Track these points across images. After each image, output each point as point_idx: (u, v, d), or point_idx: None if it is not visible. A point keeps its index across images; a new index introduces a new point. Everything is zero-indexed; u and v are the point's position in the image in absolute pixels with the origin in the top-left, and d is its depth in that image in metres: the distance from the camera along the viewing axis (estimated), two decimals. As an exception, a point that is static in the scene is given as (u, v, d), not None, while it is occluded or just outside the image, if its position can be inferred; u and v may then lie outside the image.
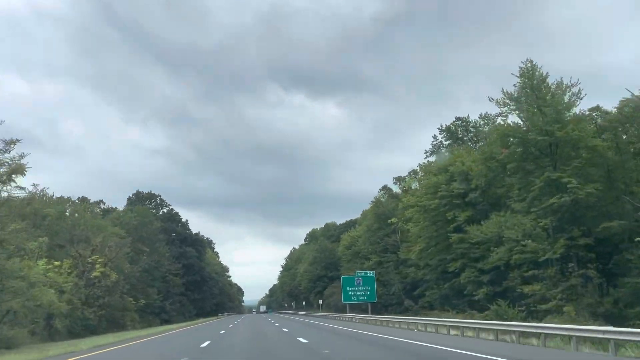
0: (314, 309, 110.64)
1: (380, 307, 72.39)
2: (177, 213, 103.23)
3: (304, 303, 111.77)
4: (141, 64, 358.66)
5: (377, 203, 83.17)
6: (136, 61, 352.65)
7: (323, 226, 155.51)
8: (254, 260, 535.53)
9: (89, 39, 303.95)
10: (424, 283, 61.59)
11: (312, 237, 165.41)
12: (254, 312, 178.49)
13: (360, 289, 68.44)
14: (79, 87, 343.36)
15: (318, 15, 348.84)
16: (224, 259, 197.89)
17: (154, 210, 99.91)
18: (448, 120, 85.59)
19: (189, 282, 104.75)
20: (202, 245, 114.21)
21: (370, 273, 69.30)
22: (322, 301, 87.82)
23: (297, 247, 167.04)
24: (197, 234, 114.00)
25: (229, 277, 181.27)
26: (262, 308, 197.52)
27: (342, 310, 76.77)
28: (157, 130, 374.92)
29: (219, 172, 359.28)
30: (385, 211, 79.43)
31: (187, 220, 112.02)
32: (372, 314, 64.94)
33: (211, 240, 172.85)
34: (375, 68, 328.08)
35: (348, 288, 68.44)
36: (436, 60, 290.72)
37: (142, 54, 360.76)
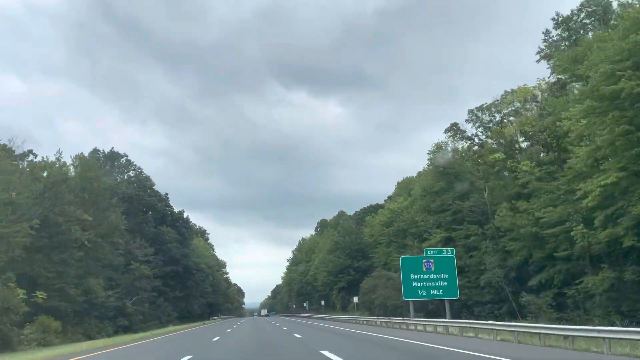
0: (335, 311, 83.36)
1: (459, 307, 45.36)
2: (149, 177, 76.03)
3: (322, 303, 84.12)
4: (138, 61, 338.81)
5: (436, 157, 56.02)
6: (133, 58, 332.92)
7: (337, 214, 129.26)
8: (254, 263, 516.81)
9: (85, 36, 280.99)
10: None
11: (323, 226, 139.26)
12: (255, 316, 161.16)
13: (431, 277, 41.76)
14: (75, 85, 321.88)
15: (319, 8, 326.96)
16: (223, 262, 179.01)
17: (120, 176, 73.08)
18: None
19: (168, 274, 77.71)
20: (187, 227, 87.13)
21: (449, 252, 42.28)
22: (358, 299, 60.23)
23: (307, 237, 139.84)
24: (180, 213, 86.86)
25: (226, 273, 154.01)
26: (264, 312, 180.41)
27: (393, 313, 49.73)
28: (156, 130, 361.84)
29: (218, 173, 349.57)
30: (454, 163, 52.54)
31: (167, 194, 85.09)
32: (451, 318, 38.58)
33: (205, 230, 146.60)
34: (378, 64, 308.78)
35: (412, 276, 41.62)
36: (441, 55, 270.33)
37: (140, 51, 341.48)
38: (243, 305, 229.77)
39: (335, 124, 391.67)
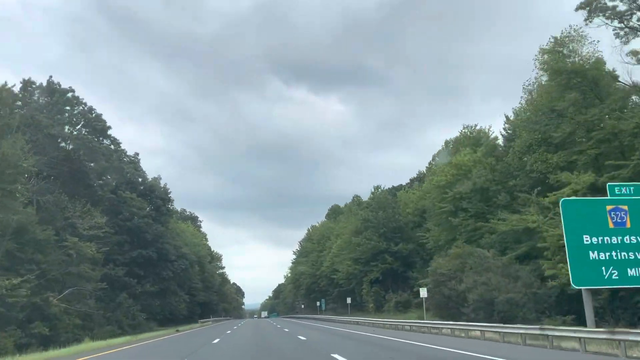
0: (366, 311, 61.30)
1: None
2: (106, 123, 53.36)
3: (349, 301, 60.87)
4: (134, 56, 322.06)
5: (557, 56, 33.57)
6: (130, 54, 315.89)
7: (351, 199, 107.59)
8: (254, 264, 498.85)
9: (80, 30, 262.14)
10: None
11: (336, 213, 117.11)
12: (255, 318, 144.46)
13: (628, 240, 19.39)
14: (70, 81, 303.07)
15: (321, 1, 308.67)
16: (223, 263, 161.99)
17: (67, 115, 50.69)
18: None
19: (134, 261, 55.70)
20: (165, 199, 64.79)
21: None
22: (426, 292, 37.50)
23: (317, 223, 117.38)
24: (155, 180, 64.53)
25: (222, 268, 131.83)
26: (264, 314, 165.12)
27: (509, 316, 27.42)
28: (153, 128, 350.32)
29: (217, 172, 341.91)
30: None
31: (138, 155, 63.07)
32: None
33: (197, 217, 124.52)
34: (381, 60, 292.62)
35: (586, 239, 19.52)
36: (447, 51, 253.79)
37: (134, 46, 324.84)
38: (243, 306, 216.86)
39: (337, 121, 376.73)
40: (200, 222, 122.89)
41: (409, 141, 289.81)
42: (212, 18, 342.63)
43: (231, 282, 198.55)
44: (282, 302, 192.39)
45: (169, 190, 65.25)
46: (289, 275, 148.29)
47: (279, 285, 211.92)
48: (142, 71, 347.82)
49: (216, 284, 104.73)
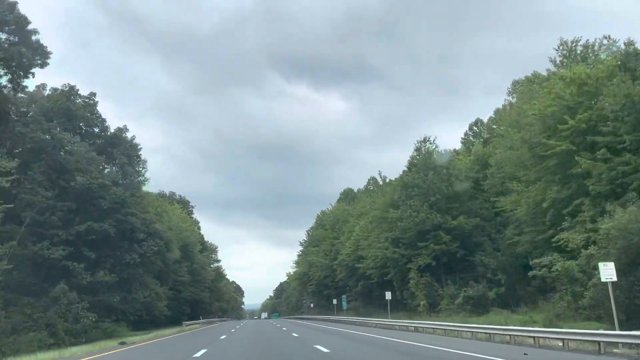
0: (408, 312, 43.76)
1: None
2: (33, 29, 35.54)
3: (388, 297, 42.26)
4: (134, 53, 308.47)
5: None
6: (129, 50, 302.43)
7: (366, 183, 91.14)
8: (254, 264, 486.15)
9: (78, 25, 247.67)
10: None
11: (349, 197, 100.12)
12: (255, 319, 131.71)
13: None
14: (67, 78, 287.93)
15: None
16: (223, 263, 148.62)
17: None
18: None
19: (81, 237, 38.41)
20: (132, 160, 47.07)
21: None
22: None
23: (328, 208, 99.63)
24: (120, 131, 46.75)
25: (218, 261, 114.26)
26: (264, 315, 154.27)
27: None
28: (152, 126, 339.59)
29: (217, 171, 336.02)
30: None
31: (94, 96, 45.57)
32: None
33: (188, 201, 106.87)
34: (383, 55, 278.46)
35: None
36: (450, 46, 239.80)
37: (134, 41, 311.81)
38: (242, 306, 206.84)
39: (338, 119, 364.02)
40: (192, 207, 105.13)
41: (411, 138, 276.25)
42: (211, 13, 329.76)
43: (230, 281, 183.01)
44: (284, 302, 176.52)
45: (139, 147, 47.68)
46: (294, 271, 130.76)
47: (281, 283, 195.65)
48: (141, 67, 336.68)
49: (209, 278, 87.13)
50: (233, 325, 59.99)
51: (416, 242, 43.63)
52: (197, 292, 79.76)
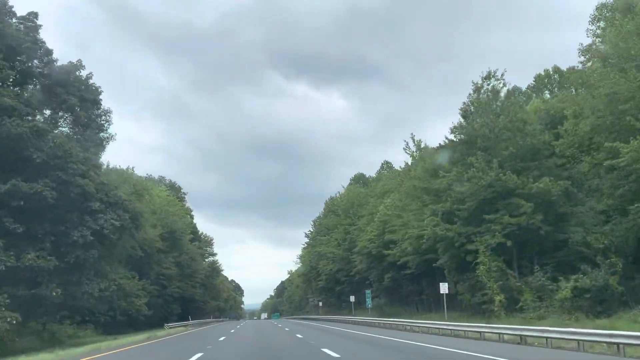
0: (492, 314, 31.35)
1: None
2: None
3: (443, 290, 29.45)
4: (133, 50, 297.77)
5: None
6: (127, 47, 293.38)
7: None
8: (254, 264, 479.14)
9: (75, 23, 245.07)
10: None
11: (360, 181, 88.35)
12: (255, 319, 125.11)
13: None
14: None
15: None
16: (223, 264, 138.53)
17: None
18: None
19: (8, 203, 25.94)
20: (87, 104, 34.62)
21: None
22: None
23: (338, 193, 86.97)
24: (72, 66, 34.38)
25: (213, 255, 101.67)
26: (264, 315, 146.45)
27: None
28: (150, 124, 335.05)
29: (216, 170, 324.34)
30: None
31: (36, 17, 33.16)
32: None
33: (180, 187, 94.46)
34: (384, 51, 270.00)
35: None
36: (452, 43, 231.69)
37: (132, 38, 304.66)
38: (242, 305, 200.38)
39: (338, 117, 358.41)
40: (185, 194, 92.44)
41: (416, 137, 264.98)
42: (209, 9, 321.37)
43: (229, 279, 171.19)
44: (286, 301, 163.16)
45: (99, 90, 35.13)
46: (298, 267, 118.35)
47: (282, 282, 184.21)
48: (140, 66, 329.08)
49: (201, 272, 74.68)
50: (229, 328, 47.68)
51: (480, 214, 31.16)
52: (188, 288, 67.43)
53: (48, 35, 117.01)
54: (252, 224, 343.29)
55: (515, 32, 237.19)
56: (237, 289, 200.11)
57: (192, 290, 70.09)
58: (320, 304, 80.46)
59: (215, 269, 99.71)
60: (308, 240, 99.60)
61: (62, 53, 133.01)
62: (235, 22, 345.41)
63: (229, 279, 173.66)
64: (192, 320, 60.20)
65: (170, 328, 46.71)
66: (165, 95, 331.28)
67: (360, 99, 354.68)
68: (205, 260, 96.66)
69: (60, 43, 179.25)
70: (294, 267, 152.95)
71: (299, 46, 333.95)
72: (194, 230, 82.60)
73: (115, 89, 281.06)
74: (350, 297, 54.18)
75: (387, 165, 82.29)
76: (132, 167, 63.49)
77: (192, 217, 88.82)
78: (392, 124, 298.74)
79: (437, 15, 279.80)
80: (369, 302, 47.83)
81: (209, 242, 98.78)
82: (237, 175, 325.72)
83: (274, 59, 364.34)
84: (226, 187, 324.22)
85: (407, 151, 45.32)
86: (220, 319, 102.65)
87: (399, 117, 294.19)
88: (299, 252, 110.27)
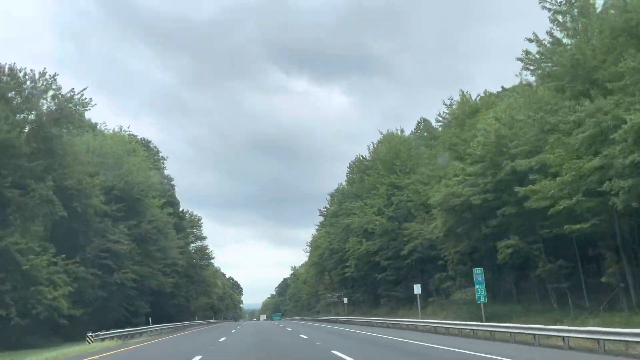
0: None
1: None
2: None
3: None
4: (129, 45, 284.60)
5: None
6: (124, 42, 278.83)
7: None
8: (254, 263, 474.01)
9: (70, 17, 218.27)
10: None
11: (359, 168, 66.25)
12: (254, 321, 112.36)
13: None
14: (61, 73, 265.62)
15: None
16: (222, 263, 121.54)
17: None
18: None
19: None
20: None
21: None
22: None
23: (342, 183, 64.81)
24: None
25: (202, 239, 79.54)
26: (263, 317, 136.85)
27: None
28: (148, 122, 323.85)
29: (216, 168, 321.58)
30: None
31: None
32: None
33: (157, 149, 72.30)
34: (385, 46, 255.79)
35: None
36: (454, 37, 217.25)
37: (130, 34, 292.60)
38: (241, 305, 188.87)
39: (339, 114, 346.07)
40: (164, 159, 69.91)
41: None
42: (208, 2, 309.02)
43: (227, 277, 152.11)
44: (290, 299, 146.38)
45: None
46: (308, 257, 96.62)
47: (285, 279, 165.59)
48: (137, 60, 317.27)
49: (176, 253, 52.32)
50: (214, 339, 25.99)
51: None
52: (156, 275, 45.39)
53: (47, 35, 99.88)
54: (252, 224, 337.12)
55: (516, 26, 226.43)
56: (236, 287, 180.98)
57: (166, 279, 48.24)
58: (346, 300, 58.54)
59: (204, 256, 77.92)
60: (323, 220, 77.97)
61: (59, 50, 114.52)
62: (234, 16, 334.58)
63: (227, 276, 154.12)
64: (154, 324, 38.06)
65: (101, 340, 25.06)
66: (163, 91, 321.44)
67: (362, 94, 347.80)
68: (192, 245, 75.15)
69: (56, 36, 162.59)
70: (298, 262, 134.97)
71: (300, 41, 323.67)
72: (172, 199, 60.45)
73: (112, 84, 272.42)
74: (415, 286, 31.94)
75: (424, 124, 60.93)
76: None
77: (172, 185, 66.76)
78: (392, 119, 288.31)
79: (441, 10, 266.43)
80: (481, 292, 24.61)
81: (195, 222, 76.80)
82: (237, 174, 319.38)
83: (274, 54, 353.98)
84: (226, 186, 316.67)
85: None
86: (212, 321, 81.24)
87: (400, 111, 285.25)
88: (299, 251, 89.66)
